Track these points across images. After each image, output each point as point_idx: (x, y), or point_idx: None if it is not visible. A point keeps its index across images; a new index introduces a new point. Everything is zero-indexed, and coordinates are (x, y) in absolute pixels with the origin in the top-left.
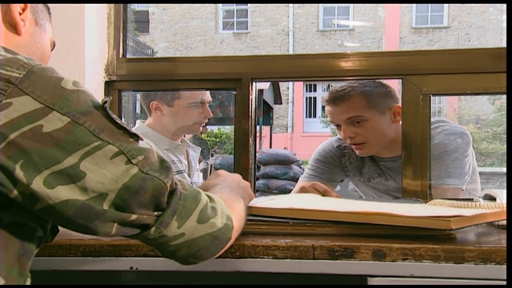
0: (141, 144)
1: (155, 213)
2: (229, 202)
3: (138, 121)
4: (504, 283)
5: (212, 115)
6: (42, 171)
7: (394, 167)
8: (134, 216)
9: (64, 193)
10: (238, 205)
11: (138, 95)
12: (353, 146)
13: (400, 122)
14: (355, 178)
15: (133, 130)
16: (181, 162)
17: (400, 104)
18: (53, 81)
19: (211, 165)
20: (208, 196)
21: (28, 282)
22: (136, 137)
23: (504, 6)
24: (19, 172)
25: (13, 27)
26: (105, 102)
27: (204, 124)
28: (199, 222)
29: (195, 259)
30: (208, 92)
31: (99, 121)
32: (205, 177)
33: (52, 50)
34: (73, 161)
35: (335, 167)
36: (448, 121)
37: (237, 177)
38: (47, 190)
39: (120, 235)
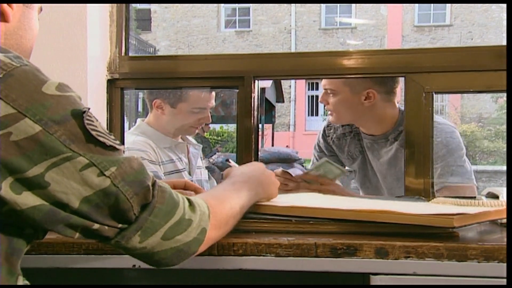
0: (117, 154)
1: (120, 225)
2: (220, 205)
3: (138, 120)
4: (504, 281)
5: (210, 121)
6: (6, 177)
7: (373, 148)
8: (96, 225)
9: (31, 199)
10: (231, 208)
11: (141, 93)
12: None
13: (375, 105)
14: (342, 157)
15: (112, 139)
16: (181, 160)
17: (373, 90)
18: (33, 84)
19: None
20: (190, 204)
21: (20, 280)
22: (111, 148)
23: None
24: None
25: (1, 16)
26: (84, 111)
27: (200, 127)
28: (163, 238)
29: (154, 266)
30: (213, 98)
31: (72, 131)
32: (214, 176)
33: (39, 13)
34: (38, 171)
35: (325, 149)
36: (438, 118)
37: (267, 173)
38: (15, 196)
39: (82, 239)
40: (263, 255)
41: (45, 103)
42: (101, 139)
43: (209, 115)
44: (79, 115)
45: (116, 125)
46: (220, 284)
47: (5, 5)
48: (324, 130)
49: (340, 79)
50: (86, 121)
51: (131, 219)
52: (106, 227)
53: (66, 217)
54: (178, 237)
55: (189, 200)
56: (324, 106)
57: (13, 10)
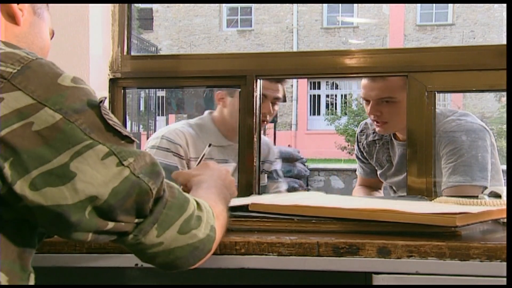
0: (132, 147)
1: (136, 220)
2: (215, 208)
3: (206, 112)
4: (504, 281)
5: (273, 113)
6: (31, 171)
7: (402, 154)
8: (111, 225)
9: (51, 194)
10: (222, 211)
11: (142, 93)
12: (374, 122)
13: None
14: (372, 163)
15: (126, 132)
16: (227, 162)
17: None
18: (50, 76)
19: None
20: (197, 203)
21: (32, 278)
22: (128, 139)
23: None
24: (7, 171)
25: (12, 18)
26: (101, 101)
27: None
28: (180, 232)
29: (172, 268)
30: (280, 89)
31: (91, 120)
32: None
33: (51, 38)
34: (63, 160)
35: (359, 154)
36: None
37: (224, 172)
38: (28, 193)
39: (96, 242)
40: (265, 254)
41: (62, 93)
42: (118, 128)
43: (271, 108)
44: (96, 105)
45: None
46: (222, 283)
47: (15, 7)
48: (357, 136)
49: (397, 84)
50: (102, 111)
51: (146, 212)
52: (123, 224)
53: (77, 222)
54: (194, 231)
55: (194, 198)
56: (373, 116)
57: (23, 15)
